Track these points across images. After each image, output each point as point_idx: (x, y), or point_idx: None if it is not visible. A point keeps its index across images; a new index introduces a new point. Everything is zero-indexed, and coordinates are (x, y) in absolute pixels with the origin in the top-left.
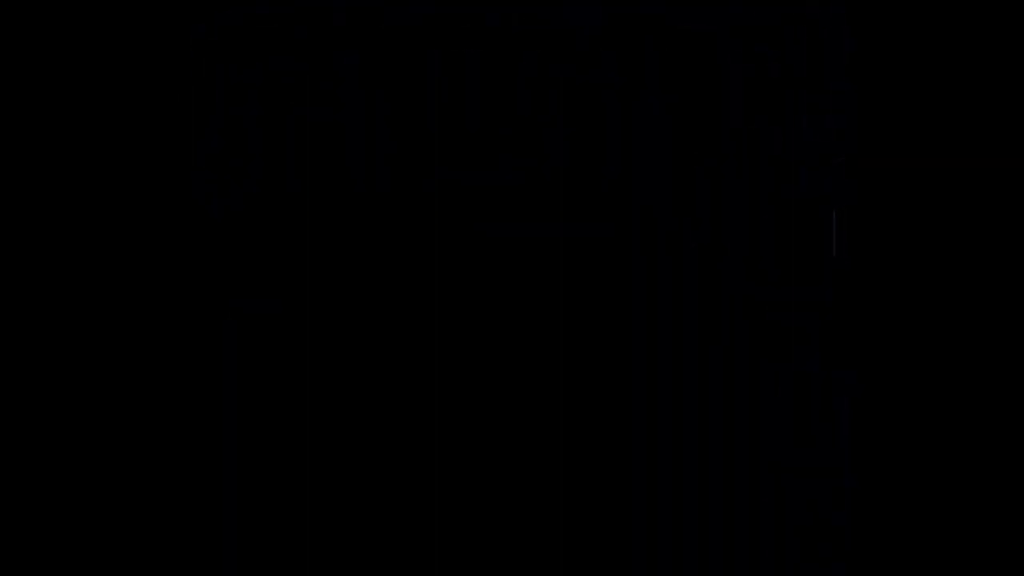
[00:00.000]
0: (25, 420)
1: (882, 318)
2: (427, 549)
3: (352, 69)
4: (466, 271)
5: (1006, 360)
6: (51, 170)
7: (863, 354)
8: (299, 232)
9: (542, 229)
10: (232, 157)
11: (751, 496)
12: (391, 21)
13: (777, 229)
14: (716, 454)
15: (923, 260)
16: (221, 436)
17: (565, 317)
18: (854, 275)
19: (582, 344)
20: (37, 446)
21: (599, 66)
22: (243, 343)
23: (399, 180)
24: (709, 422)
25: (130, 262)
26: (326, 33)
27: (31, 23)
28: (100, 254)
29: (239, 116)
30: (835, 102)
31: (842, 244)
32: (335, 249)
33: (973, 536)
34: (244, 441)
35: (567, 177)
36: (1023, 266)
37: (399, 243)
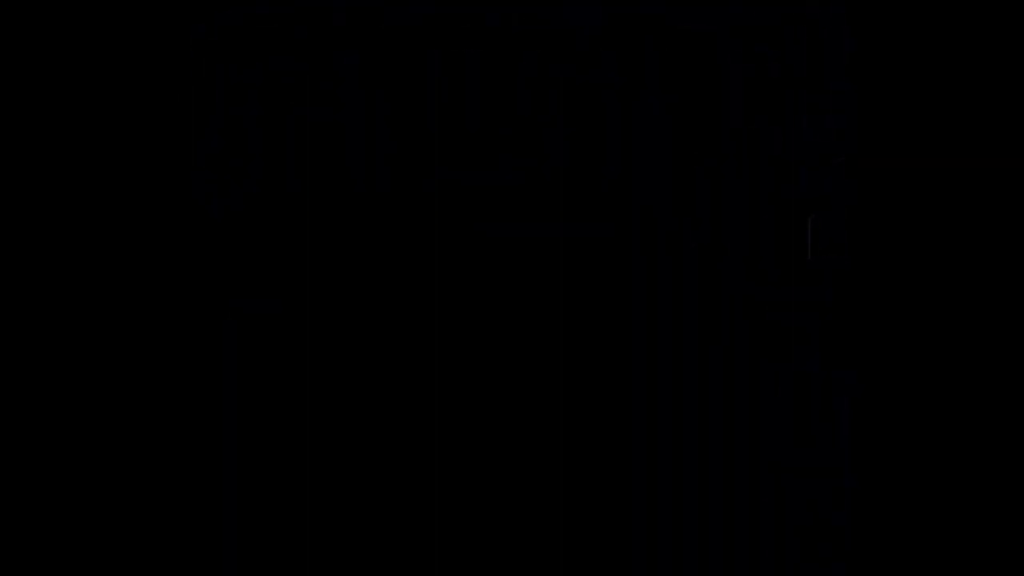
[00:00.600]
0: (25, 420)
1: (882, 318)
2: (427, 549)
3: (352, 69)
4: (466, 271)
5: (1006, 360)
6: (51, 170)
7: (863, 354)
8: (299, 232)
9: (542, 229)
10: (232, 157)
11: (751, 496)
12: (391, 21)
13: (777, 229)
14: (716, 454)
15: (923, 260)
16: (221, 436)
17: (565, 317)
18: (854, 275)
19: (582, 344)
20: (37, 446)
21: (599, 66)
22: (243, 343)
23: (399, 180)
24: (709, 422)
25: (130, 262)
26: (326, 33)
27: (31, 23)
28: (100, 254)
29: (239, 116)
30: (835, 102)
31: (842, 244)
32: (335, 249)
33: (973, 536)
34: (244, 441)
35: (567, 177)
36: (1023, 266)
37: (399, 243)
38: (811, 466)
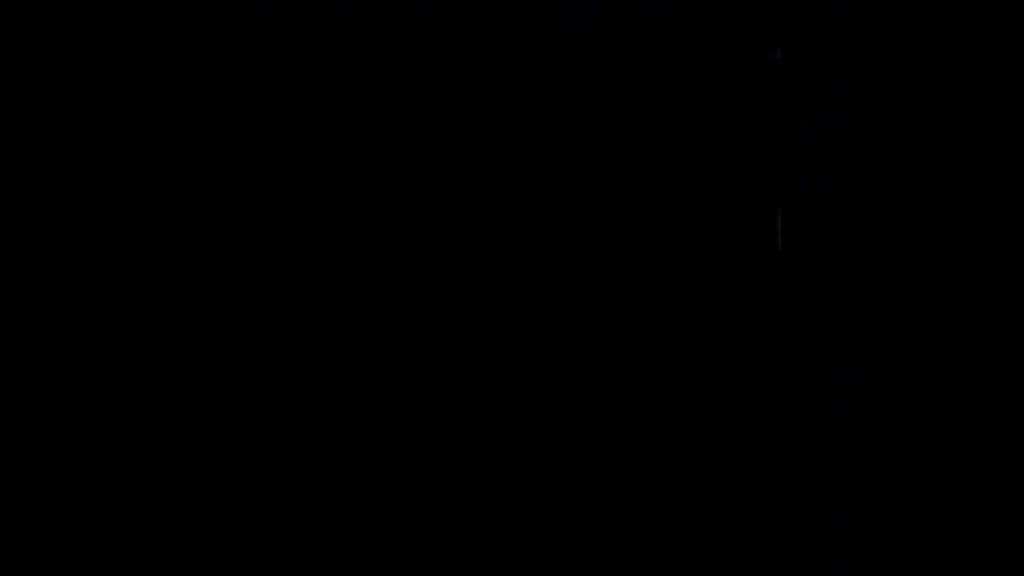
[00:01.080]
0: (26, 420)
1: (882, 318)
2: (427, 549)
3: (352, 69)
4: (466, 271)
5: (1006, 360)
6: (52, 170)
7: (863, 354)
8: (299, 232)
9: (542, 229)
10: (232, 157)
11: (751, 496)
12: (391, 21)
13: (777, 229)
14: (716, 454)
15: (923, 260)
16: (221, 436)
17: (565, 317)
18: (854, 275)
19: (582, 344)
20: (38, 446)
21: (599, 66)
22: (243, 343)
23: (399, 180)
24: (709, 422)
25: (130, 262)
26: (326, 33)
27: (31, 23)
28: (100, 254)
29: (239, 116)
30: (835, 102)
31: (842, 244)
32: (335, 249)
33: (973, 536)
34: (244, 441)
35: (567, 177)
36: (1023, 266)
37: (399, 243)
38: (811, 466)
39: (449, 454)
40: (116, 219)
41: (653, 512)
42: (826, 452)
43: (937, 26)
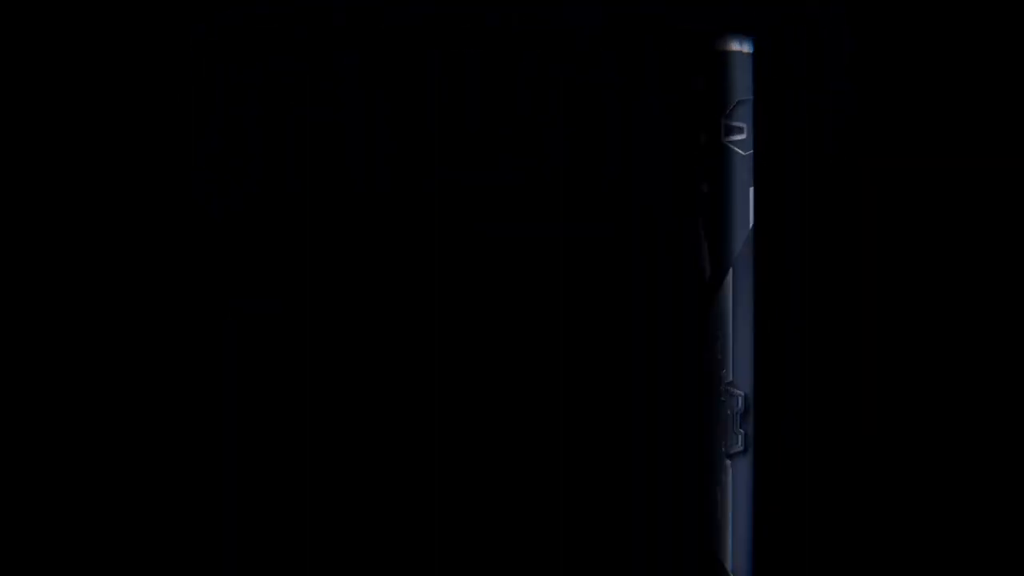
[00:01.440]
0: (24, 420)
1: (881, 318)
2: (427, 549)
3: (352, 69)
4: (466, 271)
5: (1007, 360)
6: (49, 170)
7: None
8: (299, 232)
9: (542, 229)
10: (232, 157)
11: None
12: (391, 21)
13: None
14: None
15: (923, 260)
16: (221, 436)
17: (565, 317)
18: (854, 275)
19: (582, 344)
20: (36, 446)
21: (599, 66)
22: (243, 343)
23: (399, 180)
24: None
25: (129, 262)
26: (326, 33)
27: (30, 23)
28: (99, 254)
29: (239, 116)
30: (835, 102)
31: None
32: (335, 249)
33: (973, 536)
34: (244, 441)
35: (567, 177)
36: (1023, 266)
37: (399, 243)
38: None
39: (449, 454)
40: (115, 219)
41: (653, 511)
42: None
43: (937, 26)
